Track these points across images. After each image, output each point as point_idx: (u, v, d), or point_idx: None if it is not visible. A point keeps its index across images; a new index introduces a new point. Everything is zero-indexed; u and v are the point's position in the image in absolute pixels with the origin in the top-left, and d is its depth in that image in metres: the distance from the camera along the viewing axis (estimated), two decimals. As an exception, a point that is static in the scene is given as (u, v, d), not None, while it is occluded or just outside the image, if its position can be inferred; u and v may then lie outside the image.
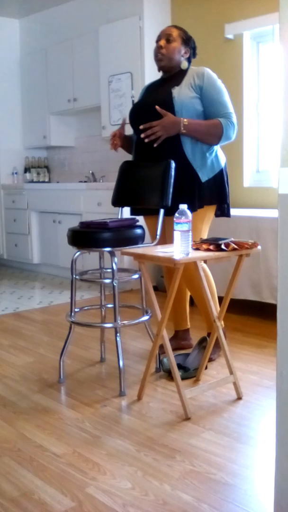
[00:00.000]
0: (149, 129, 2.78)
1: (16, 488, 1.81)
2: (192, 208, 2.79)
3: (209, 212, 2.93)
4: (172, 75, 2.91)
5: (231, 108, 2.82)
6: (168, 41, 2.87)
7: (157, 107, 2.78)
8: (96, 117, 5.53)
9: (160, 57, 2.88)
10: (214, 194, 2.90)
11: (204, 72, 2.82)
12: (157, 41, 2.91)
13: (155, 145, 2.81)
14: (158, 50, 2.89)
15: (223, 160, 2.93)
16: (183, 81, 2.83)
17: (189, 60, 2.95)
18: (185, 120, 2.75)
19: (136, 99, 3.11)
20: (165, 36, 2.89)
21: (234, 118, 2.82)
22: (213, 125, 2.78)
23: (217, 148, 2.91)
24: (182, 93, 2.79)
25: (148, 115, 2.85)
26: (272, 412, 2.33)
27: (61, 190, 5.36)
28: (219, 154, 2.92)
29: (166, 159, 2.73)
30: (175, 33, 2.89)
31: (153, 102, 2.85)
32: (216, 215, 3.00)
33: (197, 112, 2.80)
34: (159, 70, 2.98)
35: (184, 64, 2.90)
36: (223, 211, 2.98)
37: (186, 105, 2.78)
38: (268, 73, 4.36)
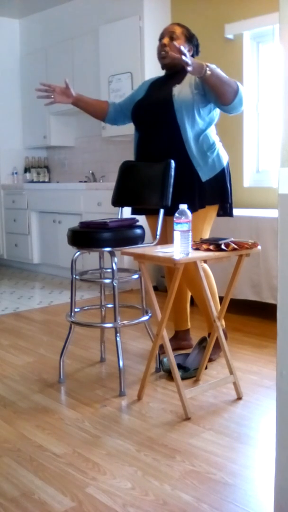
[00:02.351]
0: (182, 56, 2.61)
1: (16, 488, 1.81)
2: (193, 208, 2.78)
3: (210, 212, 2.92)
4: (175, 72, 2.90)
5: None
6: (172, 38, 2.87)
7: (182, 57, 2.57)
8: (96, 117, 5.52)
9: (164, 55, 2.86)
10: (216, 193, 2.89)
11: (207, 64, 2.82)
12: (160, 39, 2.90)
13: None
14: (161, 48, 2.88)
15: (225, 159, 2.92)
16: (185, 79, 2.82)
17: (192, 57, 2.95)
18: (208, 65, 2.63)
19: (135, 92, 3.08)
20: (168, 34, 2.88)
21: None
22: (232, 80, 2.70)
23: (219, 147, 2.91)
24: (183, 92, 2.78)
25: (150, 113, 2.85)
26: (272, 412, 2.33)
27: (61, 190, 5.36)
28: (221, 153, 2.91)
29: (167, 157, 2.73)
30: (178, 30, 2.88)
31: (154, 100, 2.85)
32: (219, 214, 2.99)
33: (198, 111, 2.79)
34: (162, 68, 2.97)
35: None
36: (225, 210, 2.97)
37: (186, 104, 2.77)
38: (268, 73, 4.36)
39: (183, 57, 2.47)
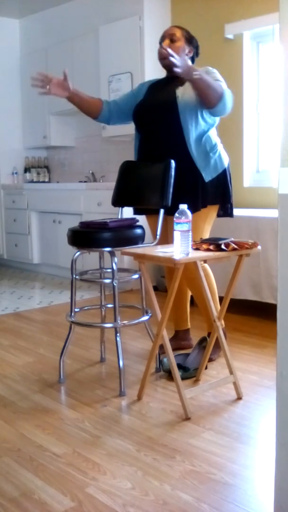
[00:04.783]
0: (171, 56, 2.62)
1: (16, 488, 1.81)
2: (196, 208, 2.79)
3: (212, 211, 2.93)
4: (176, 75, 2.90)
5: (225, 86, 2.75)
6: (172, 41, 2.87)
7: (171, 58, 2.57)
8: (96, 117, 5.52)
9: (166, 61, 2.85)
10: (217, 194, 2.90)
11: (207, 67, 2.83)
12: (161, 42, 2.90)
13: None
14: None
15: (226, 160, 2.93)
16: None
17: (192, 59, 2.95)
18: (198, 70, 2.65)
19: (135, 92, 3.06)
20: (168, 36, 2.88)
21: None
22: (217, 84, 2.70)
23: (221, 149, 2.91)
24: (186, 93, 2.78)
25: (153, 115, 2.85)
26: (272, 412, 2.33)
27: (61, 190, 5.36)
28: (223, 154, 2.92)
29: (170, 158, 2.73)
30: (178, 33, 2.89)
31: (157, 102, 2.84)
32: (219, 215, 2.99)
33: (201, 112, 2.79)
34: (164, 68, 2.96)
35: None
36: (226, 211, 2.98)
37: (190, 106, 2.77)
38: (268, 73, 4.36)
39: (171, 58, 2.52)
